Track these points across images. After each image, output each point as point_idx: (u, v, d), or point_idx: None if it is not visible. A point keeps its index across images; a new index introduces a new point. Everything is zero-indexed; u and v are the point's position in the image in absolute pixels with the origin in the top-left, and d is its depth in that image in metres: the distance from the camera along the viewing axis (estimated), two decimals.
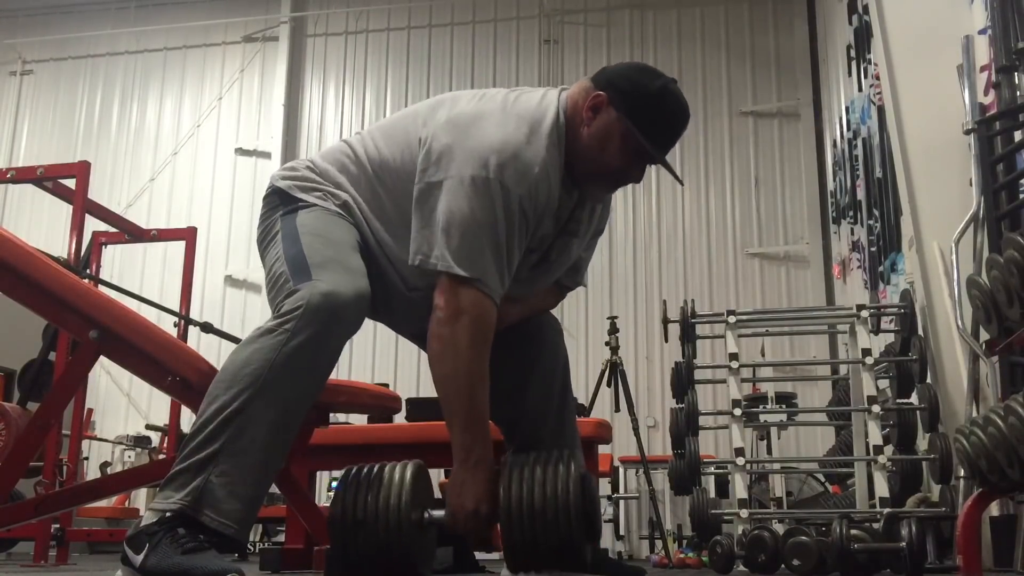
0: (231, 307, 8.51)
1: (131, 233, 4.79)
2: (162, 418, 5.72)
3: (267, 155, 8.91)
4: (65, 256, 3.84)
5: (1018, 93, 3.28)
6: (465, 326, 1.75)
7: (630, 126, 1.83)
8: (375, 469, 1.74)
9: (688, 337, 4.02)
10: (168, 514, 1.57)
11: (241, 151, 9.05)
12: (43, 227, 8.30)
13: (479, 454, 1.75)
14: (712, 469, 4.04)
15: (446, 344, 1.76)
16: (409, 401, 6.17)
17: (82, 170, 3.97)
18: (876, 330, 4.23)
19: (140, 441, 6.87)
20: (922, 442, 3.51)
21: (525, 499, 1.66)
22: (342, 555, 1.67)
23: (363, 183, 1.92)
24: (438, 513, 1.76)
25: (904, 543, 2.69)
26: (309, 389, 1.71)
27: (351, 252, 1.82)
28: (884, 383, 3.96)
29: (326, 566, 1.74)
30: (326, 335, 1.67)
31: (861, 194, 5.92)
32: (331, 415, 2.52)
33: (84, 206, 3.99)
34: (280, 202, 1.93)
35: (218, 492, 1.58)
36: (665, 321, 4.40)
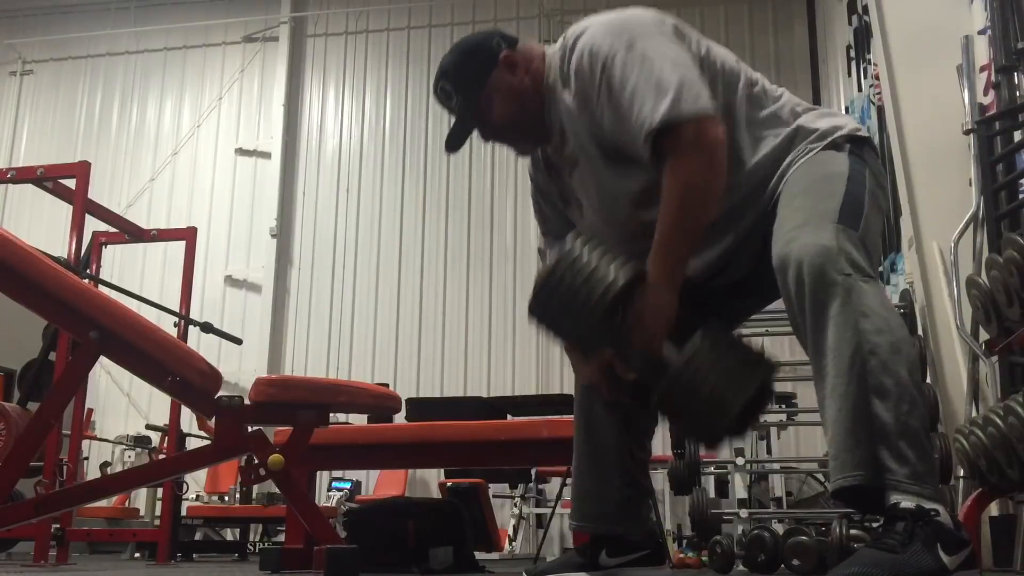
0: (231, 307, 8.51)
1: (131, 233, 4.78)
2: (162, 418, 5.71)
3: (267, 155, 8.92)
4: (65, 256, 3.83)
5: (1018, 93, 3.28)
6: None
7: None
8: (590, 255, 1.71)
9: None
10: None
11: (241, 151, 9.06)
12: (43, 227, 8.29)
13: (679, 280, 1.72)
14: (712, 469, 4.03)
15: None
16: (409, 401, 6.20)
17: (82, 170, 3.97)
18: None
19: (140, 441, 6.85)
20: None
21: (702, 372, 1.68)
22: (542, 312, 1.71)
23: None
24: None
25: None
26: None
27: None
28: None
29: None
30: None
31: None
32: (331, 415, 2.52)
33: (84, 206, 3.99)
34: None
35: None
36: None
